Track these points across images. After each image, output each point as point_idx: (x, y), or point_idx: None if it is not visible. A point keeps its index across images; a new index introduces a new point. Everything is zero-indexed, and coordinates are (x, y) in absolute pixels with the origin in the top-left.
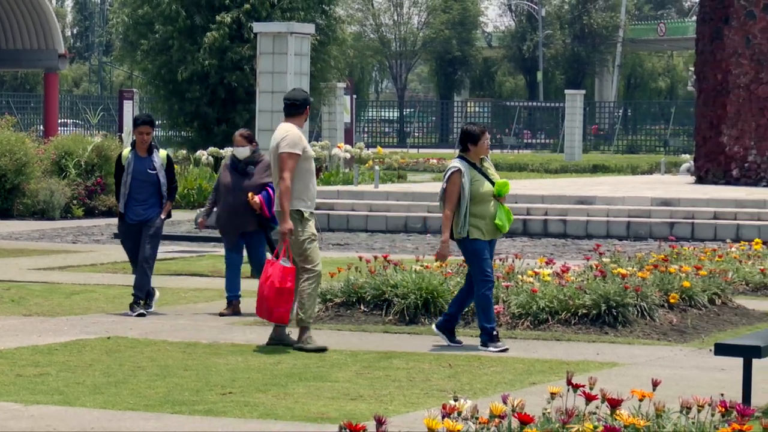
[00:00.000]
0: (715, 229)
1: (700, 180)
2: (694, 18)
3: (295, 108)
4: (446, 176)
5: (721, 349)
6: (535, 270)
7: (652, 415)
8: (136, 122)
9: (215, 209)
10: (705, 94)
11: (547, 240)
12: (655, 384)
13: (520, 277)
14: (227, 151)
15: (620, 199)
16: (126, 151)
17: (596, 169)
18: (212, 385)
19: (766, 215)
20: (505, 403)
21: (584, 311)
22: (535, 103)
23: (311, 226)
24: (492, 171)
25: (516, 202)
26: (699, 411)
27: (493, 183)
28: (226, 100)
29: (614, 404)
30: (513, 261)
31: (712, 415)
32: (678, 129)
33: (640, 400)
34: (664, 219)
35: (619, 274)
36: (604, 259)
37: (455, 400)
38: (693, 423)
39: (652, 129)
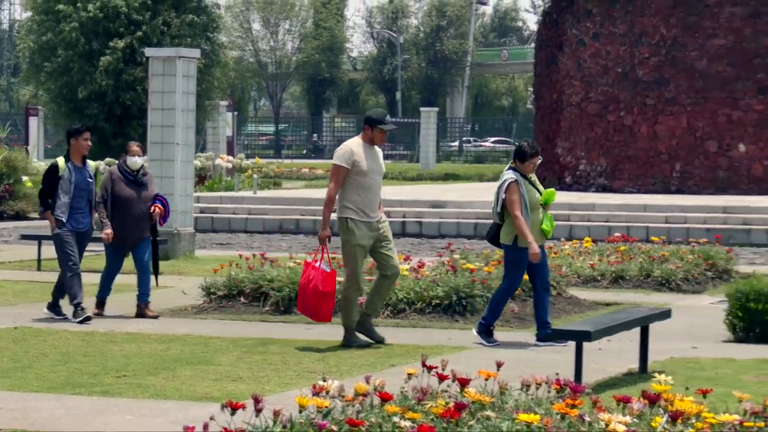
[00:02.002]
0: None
1: None
2: (533, 45)
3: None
4: (504, 186)
5: (557, 334)
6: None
7: (496, 393)
8: (80, 130)
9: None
10: (542, 111)
11: (405, 239)
12: (498, 365)
13: None
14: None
15: (469, 203)
16: (61, 162)
17: (448, 177)
18: (108, 369)
19: (594, 216)
20: (367, 382)
21: (437, 302)
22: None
23: (357, 236)
24: (537, 182)
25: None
26: (537, 388)
27: (540, 192)
28: (122, 116)
29: (463, 383)
30: None
31: (549, 391)
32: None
33: (486, 380)
34: None
35: (468, 268)
36: (454, 256)
37: (324, 381)
38: (532, 399)
39: (497, 141)
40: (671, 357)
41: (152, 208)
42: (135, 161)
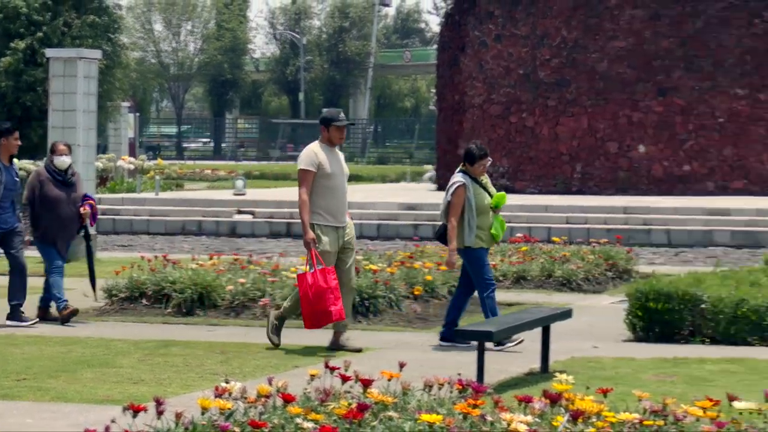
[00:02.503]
0: None
1: (441, 187)
2: (436, 46)
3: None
4: (451, 190)
5: (459, 334)
6: (298, 267)
7: (399, 393)
8: (9, 130)
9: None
10: (444, 112)
11: None
12: (401, 366)
13: (284, 273)
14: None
15: (372, 204)
16: None
17: (350, 179)
18: (9, 372)
19: None
20: (270, 384)
21: None
22: (297, 120)
23: (324, 243)
24: (489, 184)
25: (280, 207)
26: (440, 388)
27: (491, 195)
28: (22, 117)
29: (366, 384)
30: (278, 259)
31: (451, 392)
32: (422, 143)
33: (389, 380)
34: (409, 222)
35: (371, 269)
36: (357, 257)
37: (226, 383)
38: (434, 399)
39: (400, 143)
40: (572, 356)
41: (82, 208)
42: (63, 161)
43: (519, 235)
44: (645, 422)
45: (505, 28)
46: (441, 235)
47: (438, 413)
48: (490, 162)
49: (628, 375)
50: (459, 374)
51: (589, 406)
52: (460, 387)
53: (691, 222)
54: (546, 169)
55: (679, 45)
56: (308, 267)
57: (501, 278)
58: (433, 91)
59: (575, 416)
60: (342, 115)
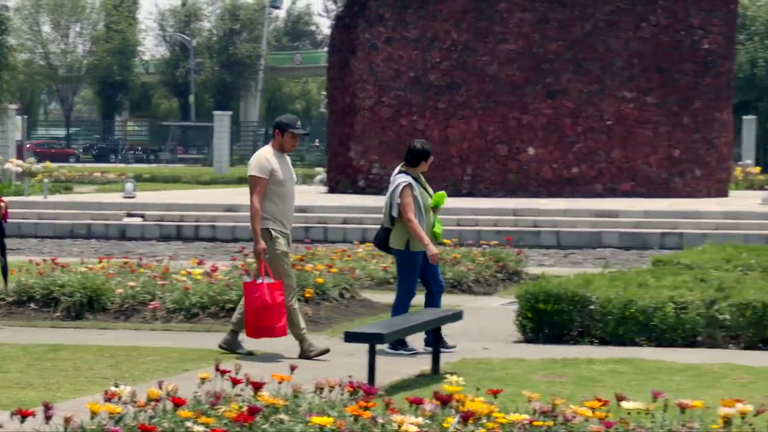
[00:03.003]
0: (344, 232)
1: (332, 190)
2: (326, 49)
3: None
4: (398, 190)
5: (350, 337)
6: (188, 270)
7: (290, 396)
8: None
9: None
10: (335, 115)
11: (199, 243)
12: (292, 368)
13: (174, 276)
14: None
15: None
16: None
17: (242, 181)
18: None
19: None
20: (160, 388)
21: (231, 305)
22: (188, 123)
23: (281, 244)
24: (426, 183)
25: (170, 210)
26: (331, 391)
27: (430, 195)
28: None
29: (257, 387)
30: (168, 262)
31: (342, 394)
32: (312, 145)
33: (280, 383)
34: (300, 224)
35: None
36: (248, 260)
37: (116, 386)
38: (325, 401)
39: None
40: (463, 358)
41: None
42: None
43: None
44: (535, 423)
45: (395, 30)
46: (382, 241)
47: (329, 416)
48: (431, 160)
49: (518, 376)
50: (350, 376)
51: (480, 407)
52: (351, 389)
53: (580, 224)
54: (436, 171)
55: (568, 48)
56: (257, 278)
57: (392, 280)
58: (324, 93)
59: (465, 417)
60: (299, 122)
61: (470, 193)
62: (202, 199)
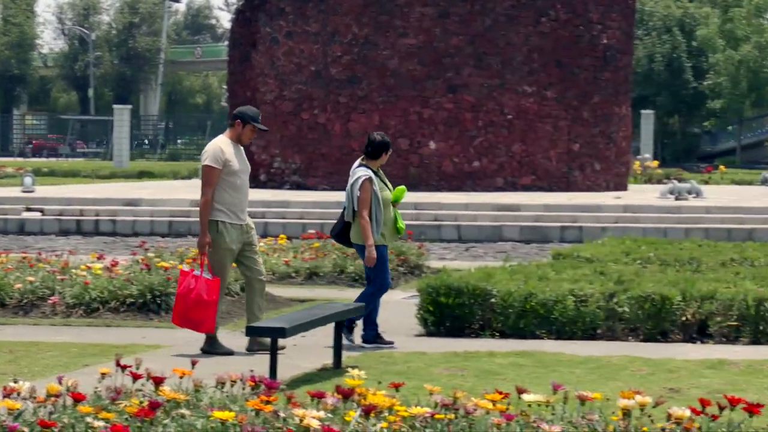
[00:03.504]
0: None
1: None
2: (227, 43)
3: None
4: (358, 184)
5: (252, 331)
6: (88, 264)
7: (191, 390)
8: None
9: None
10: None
11: (99, 238)
12: (193, 363)
13: (74, 271)
14: None
15: (163, 201)
16: None
17: (142, 175)
18: None
19: (289, 214)
20: (60, 383)
21: (132, 300)
22: (87, 117)
23: (227, 242)
24: (385, 177)
25: (70, 205)
26: (232, 385)
27: (390, 189)
28: None
29: (158, 381)
30: (68, 257)
31: (244, 388)
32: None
33: (181, 378)
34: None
35: (163, 267)
36: (149, 254)
37: (15, 382)
38: (227, 396)
39: (192, 139)
40: (365, 352)
41: None
42: None
43: (311, 231)
44: (436, 416)
45: (296, 24)
46: (340, 233)
47: (231, 410)
48: (390, 153)
49: (420, 369)
50: (252, 371)
51: (381, 400)
52: (253, 383)
53: (481, 218)
54: (338, 165)
55: (469, 43)
56: (196, 269)
57: (293, 274)
58: (225, 87)
59: (367, 411)
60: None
61: None
62: (102, 193)
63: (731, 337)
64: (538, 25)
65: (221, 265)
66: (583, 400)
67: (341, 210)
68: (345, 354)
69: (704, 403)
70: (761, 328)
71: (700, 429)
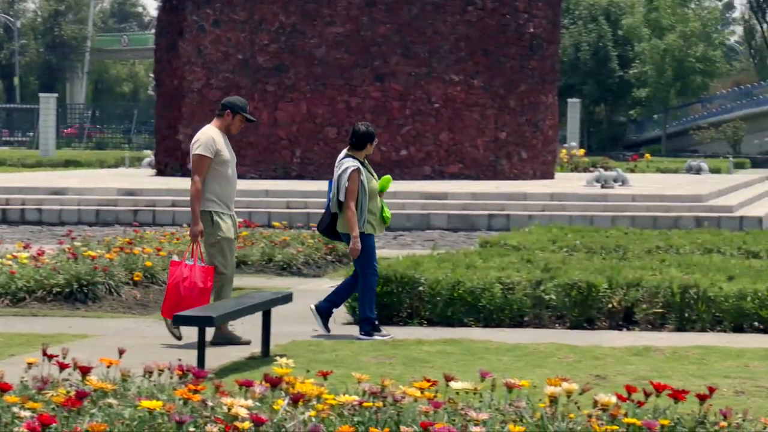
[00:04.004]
0: (173, 215)
1: (161, 172)
2: (154, 31)
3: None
4: (346, 175)
5: (179, 320)
6: (14, 254)
7: (118, 380)
8: None
9: None
10: (163, 97)
11: (25, 227)
12: (121, 352)
13: (0, 260)
14: None
15: (90, 189)
16: None
17: (69, 164)
18: None
19: None
20: None
21: (58, 289)
22: (12, 105)
23: (224, 230)
24: (371, 167)
25: None
26: (160, 374)
27: (376, 179)
28: None
29: (85, 371)
30: None
31: (171, 377)
32: (141, 128)
33: (108, 367)
34: (129, 207)
35: (90, 256)
36: (75, 243)
37: None
38: (155, 385)
39: (118, 128)
40: (293, 340)
41: None
42: None
43: (239, 220)
44: (364, 404)
45: (222, 13)
46: (327, 227)
47: (158, 399)
48: (376, 143)
49: (348, 357)
50: (179, 360)
51: (309, 389)
52: (181, 373)
53: (409, 206)
54: (266, 154)
55: (396, 31)
56: (187, 258)
57: None
58: (152, 75)
59: (295, 399)
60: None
61: (299, 176)
62: (28, 182)
63: (657, 324)
64: (464, 14)
65: (222, 255)
66: (510, 388)
67: (327, 204)
68: (273, 343)
69: (630, 389)
70: (686, 315)
71: (626, 415)
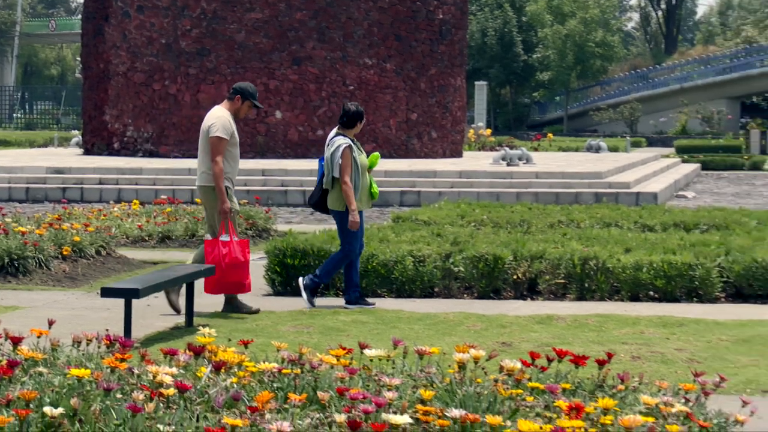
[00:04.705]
0: (100, 192)
1: (88, 152)
2: (80, 16)
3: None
4: (339, 152)
5: (106, 292)
6: None
7: (48, 349)
8: None
9: None
10: (90, 80)
11: None
12: (50, 323)
13: None
14: None
15: (20, 168)
16: None
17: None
18: None
19: (142, 180)
20: None
21: None
22: None
23: (234, 203)
24: (360, 146)
25: None
26: (88, 344)
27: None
28: None
29: (16, 341)
30: None
31: (99, 347)
32: (69, 109)
33: (39, 337)
34: (57, 185)
35: (20, 231)
36: (6, 219)
37: None
38: (83, 354)
39: (47, 109)
40: (216, 310)
41: None
42: None
43: (164, 196)
44: (283, 371)
45: None
46: (318, 201)
47: (87, 368)
48: (364, 122)
49: (268, 327)
50: (107, 330)
51: (231, 357)
52: (108, 342)
53: None
54: (188, 134)
55: (312, 17)
56: (223, 235)
57: (147, 238)
58: (79, 59)
59: (218, 367)
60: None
61: None
62: None
63: (559, 293)
64: (377, 1)
65: (233, 225)
66: (421, 355)
67: (318, 181)
68: (196, 313)
69: (534, 355)
70: (586, 285)
71: (530, 380)
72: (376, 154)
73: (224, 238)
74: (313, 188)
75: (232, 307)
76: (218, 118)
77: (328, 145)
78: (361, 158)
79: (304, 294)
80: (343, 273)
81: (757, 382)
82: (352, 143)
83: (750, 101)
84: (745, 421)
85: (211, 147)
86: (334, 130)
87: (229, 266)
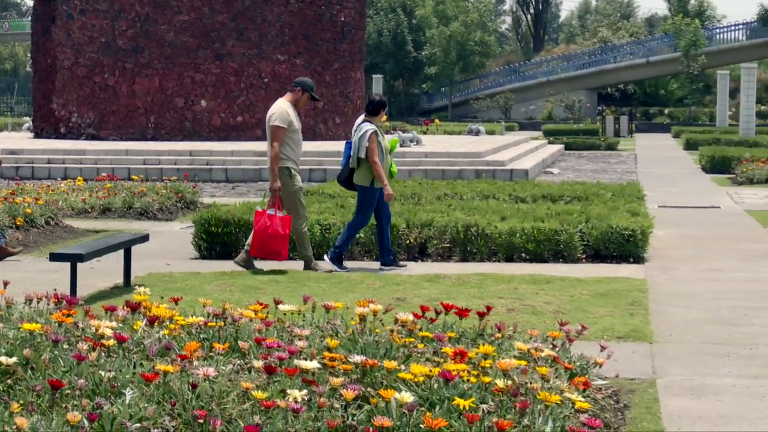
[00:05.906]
0: (49, 170)
1: (38, 135)
2: (30, 18)
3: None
4: (366, 136)
5: (55, 257)
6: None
7: (3, 306)
8: None
9: None
10: (39, 73)
11: None
12: (5, 284)
13: None
14: None
15: None
16: None
17: None
18: None
19: (85, 160)
20: None
21: None
22: None
23: (298, 180)
24: (383, 131)
25: None
26: (39, 302)
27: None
28: None
29: None
30: None
31: (48, 305)
32: (21, 99)
33: None
34: (11, 164)
35: None
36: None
37: None
38: (35, 311)
39: (1, 98)
40: (150, 273)
41: None
42: None
43: (104, 174)
44: (209, 324)
45: (87, 3)
46: (346, 179)
47: (37, 323)
48: (387, 110)
49: (195, 286)
50: (55, 290)
51: (163, 312)
52: (56, 300)
53: (245, 162)
54: (126, 120)
55: (232, 19)
56: (269, 209)
57: (90, 210)
58: (29, 55)
59: (152, 321)
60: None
61: (154, 138)
62: None
63: (445, 256)
64: (288, 5)
65: (298, 202)
66: (327, 309)
67: (345, 161)
68: (133, 275)
69: (424, 309)
70: (468, 248)
71: (421, 330)
72: (396, 138)
73: (270, 211)
74: (232, 166)
75: (244, 261)
76: (278, 110)
77: (355, 131)
78: (384, 142)
79: (333, 267)
80: (377, 241)
81: (612, 330)
82: (376, 129)
83: (605, 92)
84: (603, 363)
85: (269, 134)
86: (361, 117)
87: (271, 236)
